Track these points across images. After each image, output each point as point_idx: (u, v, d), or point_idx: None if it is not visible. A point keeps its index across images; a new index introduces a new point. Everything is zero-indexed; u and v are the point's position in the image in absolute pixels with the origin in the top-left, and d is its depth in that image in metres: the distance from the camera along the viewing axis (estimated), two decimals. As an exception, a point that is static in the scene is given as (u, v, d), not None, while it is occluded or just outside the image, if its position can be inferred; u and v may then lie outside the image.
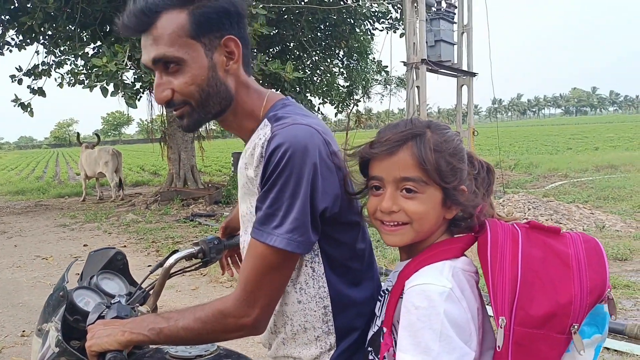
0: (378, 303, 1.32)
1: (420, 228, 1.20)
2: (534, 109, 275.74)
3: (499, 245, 1.15)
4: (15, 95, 10.86)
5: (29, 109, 11.06)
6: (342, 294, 1.32)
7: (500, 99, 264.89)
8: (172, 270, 1.77)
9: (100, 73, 8.47)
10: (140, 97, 12.59)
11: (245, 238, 1.38)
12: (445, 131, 1.22)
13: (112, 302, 1.51)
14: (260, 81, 13.87)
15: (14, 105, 10.99)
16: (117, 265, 1.83)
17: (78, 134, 14.90)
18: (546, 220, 7.98)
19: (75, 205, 13.87)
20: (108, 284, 1.75)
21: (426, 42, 10.01)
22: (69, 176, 23.47)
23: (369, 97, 19.61)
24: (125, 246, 8.28)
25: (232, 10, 1.25)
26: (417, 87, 9.73)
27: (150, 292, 1.74)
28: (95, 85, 8.93)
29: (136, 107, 10.35)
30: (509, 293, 1.09)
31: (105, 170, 13.81)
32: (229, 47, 1.27)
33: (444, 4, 11.05)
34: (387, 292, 1.26)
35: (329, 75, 16.20)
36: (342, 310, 1.32)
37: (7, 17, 10.94)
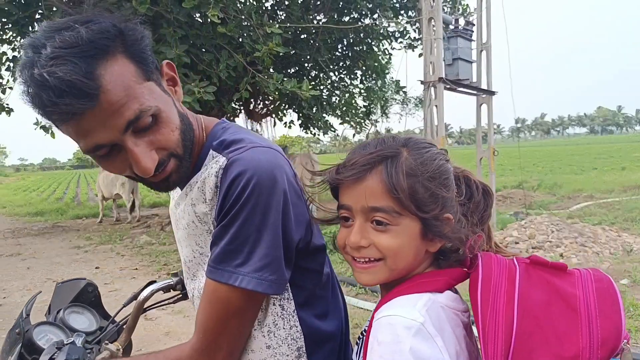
0: (355, 347, 1.12)
1: (395, 265, 1.01)
2: (558, 129, 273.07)
3: (492, 284, 0.96)
4: (36, 118, 10.93)
5: (50, 131, 11.14)
6: (314, 329, 1.15)
7: (523, 119, 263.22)
8: (148, 304, 1.59)
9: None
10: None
11: (194, 285, 1.20)
12: (424, 150, 1.03)
13: (65, 342, 1.33)
14: (278, 102, 13.93)
15: (35, 128, 11.07)
16: (88, 297, 1.68)
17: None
18: (570, 243, 7.66)
19: (92, 226, 13.86)
20: (77, 318, 1.59)
21: (444, 61, 9.83)
22: (89, 197, 23.64)
23: (388, 117, 19.45)
24: (137, 269, 8.18)
25: (146, 37, 1.06)
26: (435, 106, 9.53)
27: (124, 326, 1.57)
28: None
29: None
30: (502, 343, 0.90)
31: (122, 192, 13.80)
32: (169, 73, 1.12)
33: (461, 22, 10.89)
34: (363, 335, 1.06)
35: (347, 95, 16.10)
36: (317, 348, 1.15)
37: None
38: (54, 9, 9.49)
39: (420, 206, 0.98)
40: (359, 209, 1.00)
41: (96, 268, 8.35)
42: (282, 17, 12.13)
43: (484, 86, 10.87)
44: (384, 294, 1.08)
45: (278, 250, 1.02)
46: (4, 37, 11.34)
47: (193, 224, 1.13)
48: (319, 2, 12.69)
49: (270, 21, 10.03)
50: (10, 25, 10.29)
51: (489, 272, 0.97)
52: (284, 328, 1.12)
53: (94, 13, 1.01)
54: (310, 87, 9.18)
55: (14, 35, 11.19)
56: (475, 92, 10.91)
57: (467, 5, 14.11)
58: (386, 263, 1.01)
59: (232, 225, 1.00)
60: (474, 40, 10.91)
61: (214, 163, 1.07)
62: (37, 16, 10.14)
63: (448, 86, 9.78)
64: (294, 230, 1.05)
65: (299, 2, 12.26)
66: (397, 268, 1.02)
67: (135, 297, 1.58)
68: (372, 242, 1.00)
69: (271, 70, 9.99)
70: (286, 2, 11.92)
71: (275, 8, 12.53)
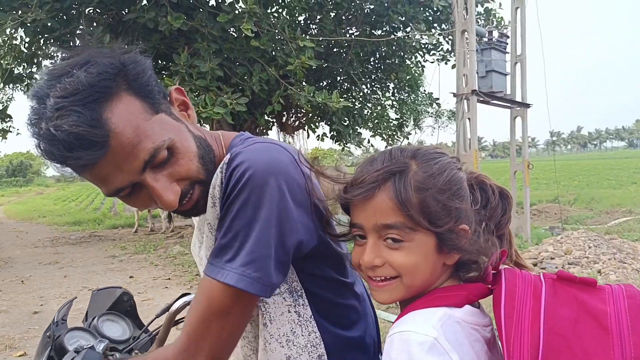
0: None
1: (412, 282, 0.98)
2: (595, 142, 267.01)
3: (517, 300, 0.92)
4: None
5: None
6: (336, 336, 1.12)
7: (559, 132, 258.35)
8: (180, 316, 1.57)
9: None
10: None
11: None
12: (434, 161, 1.00)
13: (83, 347, 1.34)
14: (310, 114, 14.00)
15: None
16: (124, 306, 1.72)
17: None
18: (609, 259, 7.45)
19: (127, 236, 14.12)
20: (110, 326, 1.63)
21: (477, 73, 9.76)
22: (125, 207, 24.06)
23: (421, 130, 19.35)
24: (169, 278, 8.28)
25: (147, 66, 1.05)
26: (468, 119, 9.45)
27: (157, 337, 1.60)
28: (146, 119, 9.14)
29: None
30: None
31: (157, 202, 14.01)
32: (179, 98, 1.11)
33: (495, 34, 10.81)
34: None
35: (379, 107, 16.10)
36: (340, 355, 1.12)
37: (68, 54, 11.38)
38: (94, 24, 9.78)
39: (433, 220, 0.94)
40: (370, 227, 0.98)
41: (130, 277, 8.48)
42: (315, 31, 12.23)
43: (518, 99, 10.74)
44: (402, 308, 1.06)
45: (267, 248, 0.97)
46: (46, 51, 11.71)
47: (208, 238, 1.11)
48: (351, 16, 12.76)
49: (303, 35, 10.14)
50: (52, 41, 10.63)
51: (512, 287, 0.94)
52: (302, 335, 1.10)
53: (90, 53, 0.99)
54: (341, 99, 9.21)
55: (55, 50, 11.55)
56: (509, 104, 10.78)
57: (502, 17, 14.00)
58: (402, 281, 0.98)
59: (226, 218, 0.98)
60: (508, 53, 10.81)
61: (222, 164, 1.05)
62: (78, 32, 10.46)
63: (481, 99, 9.69)
64: (290, 231, 0.99)
65: (332, 15, 12.34)
66: (414, 285, 0.99)
67: (168, 308, 1.61)
68: (387, 260, 0.98)
69: (303, 83, 10.07)
70: (319, 16, 12.02)
71: (308, 22, 12.64)
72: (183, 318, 1.62)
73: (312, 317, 1.11)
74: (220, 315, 0.99)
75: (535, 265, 7.61)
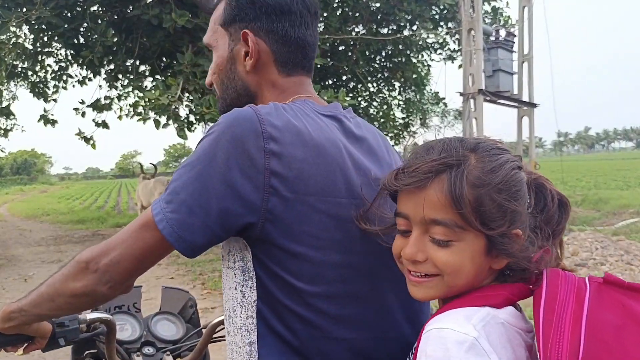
0: None
1: (454, 283, 0.92)
2: (602, 143, 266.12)
3: (558, 302, 0.85)
4: (78, 129, 11.24)
5: (91, 142, 11.41)
6: (274, 333, 1.05)
7: (567, 132, 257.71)
8: (217, 335, 1.67)
9: (153, 106, 8.60)
10: (195, 128, 12.78)
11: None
12: (496, 157, 0.92)
13: (65, 323, 1.40)
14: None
15: (78, 139, 11.36)
16: (188, 313, 1.87)
17: (141, 165, 15.22)
18: (616, 261, 7.36)
19: (131, 235, 14.08)
20: (164, 325, 1.78)
21: (484, 72, 9.69)
22: (129, 206, 24.13)
23: (427, 129, 19.27)
24: (172, 278, 8.22)
25: (257, 1, 1.17)
26: (475, 118, 9.37)
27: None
28: (149, 118, 9.11)
29: (187, 139, 10.56)
30: None
31: (161, 201, 13.96)
32: (247, 42, 1.18)
33: (502, 33, 10.73)
34: (412, 353, 0.97)
35: (385, 106, 16.02)
36: (274, 351, 1.05)
37: (71, 52, 11.38)
38: (99, 21, 9.75)
39: (486, 221, 0.88)
40: (417, 220, 0.92)
41: (133, 276, 8.43)
42: (321, 29, 12.17)
43: (525, 98, 10.66)
44: (441, 305, 0.99)
45: (192, 196, 0.97)
46: (50, 49, 11.71)
47: None
48: (357, 14, 12.69)
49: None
50: (56, 38, 10.62)
51: (554, 289, 0.87)
52: (240, 317, 1.07)
53: None
54: (347, 97, 9.15)
55: (59, 47, 11.55)
56: (516, 104, 10.70)
57: (509, 16, 13.91)
58: (443, 279, 0.92)
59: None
60: (515, 52, 10.73)
61: None
62: (82, 29, 10.44)
63: (488, 98, 9.61)
64: (219, 194, 0.97)
65: (338, 13, 12.28)
66: (456, 285, 0.93)
67: (206, 325, 1.68)
68: (430, 256, 0.91)
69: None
70: (324, 14, 11.95)
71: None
72: (222, 336, 1.67)
73: (255, 302, 1.06)
74: (137, 233, 1.02)
75: (541, 266, 7.53)
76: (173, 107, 8.81)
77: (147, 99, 8.91)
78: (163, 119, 9.53)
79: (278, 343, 1.05)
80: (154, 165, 15.97)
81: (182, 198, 0.98)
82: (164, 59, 11.58)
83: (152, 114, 9.25)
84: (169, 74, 9.48)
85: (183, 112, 10.96)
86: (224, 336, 1.50)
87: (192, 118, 11.64)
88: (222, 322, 1.58)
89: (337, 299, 1.06)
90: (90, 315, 1.45)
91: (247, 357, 1.06)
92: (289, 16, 1.18)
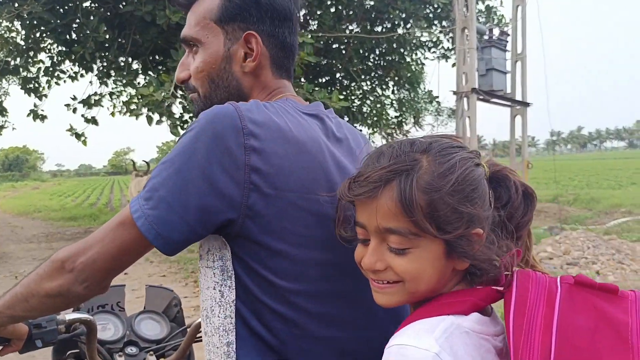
0: None
1: (416, 288, 0.90)
2: (595, 142, 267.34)
3: (528, 307, 0.83)
4: (70, 125, 11.19)
5: (82, 138, 11.35)
6: (252, 332, 1.03)
7: (559, 131, 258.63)
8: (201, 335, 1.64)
9: (147, 102, 8.56)
10: (187, 126, 12.74)
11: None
12: (449, 157, 0.89)
13: (42, 325, 1.38)
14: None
15: (69, 135, 11.31)
16: (172, 312, 1.85)
17: (133, 162, 15.19)
18: (607, 260, 7.39)
19: (123, 232, 14.03)
20: (148, 324, 1.77)
21: (477, 71, 9.70)
22: (122, 203, 24.01)
23: (420, 128, 19.28)
24: (164, 275, 8.21)
25: (264, 3, 1.16)
26: (468, 117, 9.38)
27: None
28: (141, 114, 9.07)
29: (179, 136, 10.50)
30: None
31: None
32: (250, 43, 1.16)
33: (496, 32, 10.75)
34: None
35: (378, 105, 16.01)
36: (252, 352, 1.03)
37: (63, 47, 11.31)
38: (91, 17, 9.68)
39: (442, 226, 0.85)
40: (373, 229, 0.90)
41: (125, 274, 8.36)
42: (314, 27, 12.14)
43: (518, 97, 10.68)
44: (412, 311, 0.98)
45: (172, 194, 0.96)
46: (42, 45, 11.63)
47: None
48: (351, 12, 12.67)
49: (302, 30, 10.03)
50: (48, 33, 10.55)
51: (524, 292, 0.85)
52: (218, 316, 1.05)
53: None
54: (340, 98, 9.12)
55: (51, 43, 11.47)
56: (509, 103, 10.72)
57: (503, 15, 13.93)
58: (405, 286, 0.90)
59: None
60: (508, 51, 10.76)
61: None
62: (75, 25, 10.37)
63: (481, 97, 9.63)
64: (199, 190, 0.96)
65: (331, 11, 12.25)
66: (418, 291, 0.91)
67: (190, 325, 1.67)
68: (389, 265, 0.90)
69: (302, 80, 9.98)
70: (318, 12, 11.93)
71: (307, 17, 12.55)
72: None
73: (234, 302, 1.04)
74: (114, 231, 1.00)
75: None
76: (167, 103, 8.77)
77: (140, 95, 8.86)
78: (156, 116, 9.48)
79: (257, 343, 1.04)
80: (146, 162, 15.92)
81: (161, 195, 0.96)
82: (157, 57, 11.52)
83: (144, 110, 9.20)
84: (163, 71, 9.43)
85: (176, 109, 10.92)
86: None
87: (186, 117, 11.59)
88: None
89: (320, 298, 1.05)
90: (69, 315, 1.43)
91: (224, 358, 1.05)
92: (289, 23, 1.20)
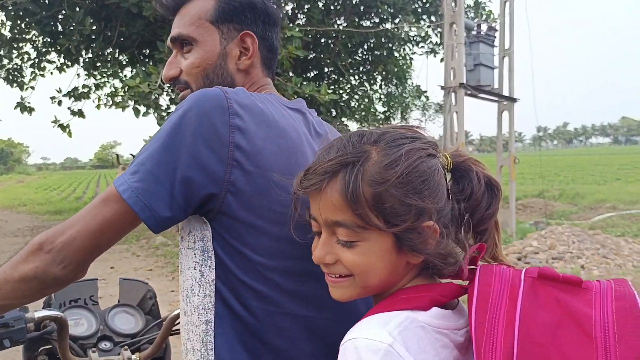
0: None
1: (366, 282, 0.89)
2: (580, 138, 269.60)
3: (490, 304, 0.82)
4: (55, 116, 11.06)
5: (67, 130, 11.24)
6: (231, 310, 1.05)
7: (545, 127, 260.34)
8: (177, 327, 1.62)
9: (133, 93, 8.48)
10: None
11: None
12: (398, 148, 0.87)
13: (9, 323, 1.33)
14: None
15: (53, 126, 11.19)
16: (147, 305, 1.83)
17: (117, 155, 15.10)
18: (592, 254, 7.47)
19: (110, 226, 13.92)
20: (122, 318, 1.74)
21: (465, 66, 9.72)
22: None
23: (407, 123, 19.31)
24: (151, 269, 8.17)
25: (259, 8, 1.25)
26: (456, 112, 9.41)
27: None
28: (128, 106, 9.00)
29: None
30: None
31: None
32: (245, 43, 1.24)
33: (484, 27, 10.76)
34: None
35: (366, 99, 16.01)
36: (229, 330, 1.05)
37: (48, 39, 11.17)
38: (77, 8, 9.56)
39: (388, 218, 0.84)
40: (322, 222, 0.90)
41: (111, 268, 8.35)
42: (303, 21, 12.10)
43: (505, 93, 10.73)
44: (375, 302, 0.98)
45: (158, 167, 0.98)
46: (27, 36, 11.47)
47: None
48: (339, 6, 12.63)
49: (291, 24, 10.00)
50: (33, 25, 10.41)
51: (486, 289, 0.84)
52: (198, 295, 1.06)
53: None
54: (329, 91, 9.11)
55: (37, 34, 11.32)
56: (496, 98, 10.76)
57: (491, 10, 13.97)
58: (355, 280, 0.90)
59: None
60: (496, 46, 10.78)
61: None
62: (60, 16, 10.24)
63: (469, 92, 9.66)
64: (185, 164, 0.98)
65: (320, 5, 12.21)
66: (369, 285, 0.90)
67: (165, 318, 1.64)
68: (339, 258, 0.89)
69: (290, 73, 9.95)
70: (306, 6, 11.88)
71: (296, 11, 12.50)
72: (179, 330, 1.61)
73: (214, 281, 1.06)
74: (99, 207, 1.00)
75: (519, 260, 7.62)
76: (153, 95, 8.70)
77: (127, 87, 8.78)
78: (143, 108, 9.41)
79: (234, 322, 1.05)
80: (133, 155, 15.79)
81: (147, 168, 0.99)
82: (144, 49, 11.42)
83: (131, 103, 9.12)
84: (150, 63, 9.35)
85: (163, 101, 10.84)
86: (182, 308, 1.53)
87: (172, 109, 11.51)
88: None
89: (294, 275, 1.06)
90: (38, 313, 1.39)
91: (202, 336, 1.06)
92: (276, 28, 1.30)
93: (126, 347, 1.60)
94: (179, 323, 1.58)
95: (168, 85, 1.36)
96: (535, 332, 0.78)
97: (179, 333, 1.59)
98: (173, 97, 10.57)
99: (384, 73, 15.27)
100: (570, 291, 0.81)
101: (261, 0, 1.26)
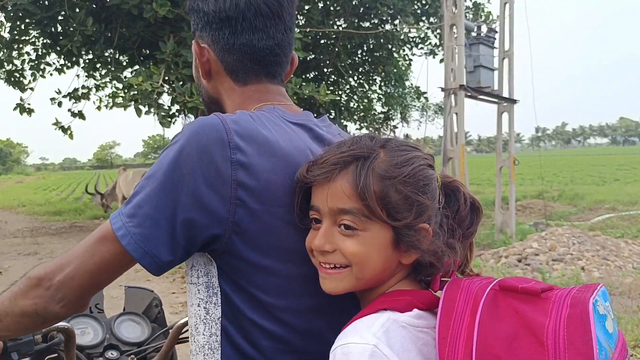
0: None
1: (362, 274, 0.93)
2: (579, 139, 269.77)
3: (454, 319, 0.86)
4: (55, 118, 11.05)
5: (68, 132, 11.22)
6: (238, 350, 1.02)
7: (544, 128, 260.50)
8: (183, 336, 1.62)
9: (135, 92, 8.48)
10: (176, 120, 12.64)
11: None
12: (404, 152, 0.94)
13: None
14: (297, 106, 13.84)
15: (55, 128, 11.17)
16: (153, 313, 1.82)
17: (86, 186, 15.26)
18: (592, 256, 7.48)
19: (109, 227, 13.90)
20: (128, 327, 1.73)
21: (465, 68, 9.73)
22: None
23: (407, 123, 19.32)
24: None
25: (205, 10, 1.13)
26: (455, 113, 9.42)
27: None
28: (129, 105, 8.99)
29: (169, 127, 10.44)
30: None
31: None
32: (203, 56, 1.17)
33: (484, 29, 10.78)
34: None
35: (366, 100, 16.02)
36: None
37: (48, 40, 11.16)
38: (77, 9, 9.56)
39: (392, 213, 0.90)
40: (326, 211, 0.93)
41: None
42: (302, 22, 12.10)
43: (505, 94, 10.73)
44: (362, 304, 1.02)
45: (157, 211, 0.93)
46: (27, 37, 11.46)
47: None
48: (339, 7, 12.64)
49: (291, 25, 9.97)
50: (33, 26, 10.40)
51: (450, 305, 0.89)
52: (203, 334, 1.03)
53: None
54: (328, 92, 9.12)
55: (37, 35, 11.31)
56: (496, 100, 10.77)
57: (490, 12, 13.99)
58: (352, 271, 0.93)
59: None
60: (496, 48, 10.79)
61: None
62: (60, 17, 10.23)
63: (469, 94, 9.67)
64: (184, 204, 0.93)
65: (320, 6, 12.22)
66: (364, 277, 0.94)
67: (172, 326, 1.64)
68: (338, 247, 0.93)
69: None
70: (306, 7, 11.88)
71: (296, 12, 12.50)
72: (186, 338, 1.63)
73: (220, 319, 1.02)
74: (94, 246, 0.96)
75: (519, 261, 7.62)
76: (155, 94, 8.70)
77: (129, 85, 8.76)
78: (144, 107, 9.41)
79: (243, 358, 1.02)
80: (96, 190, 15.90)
81: (146, 212, 0.93)
82: (144, 50, 11.41)
83: (132, 102, 9.12)
84: (151, 64, 9.34)
85: (164, 100, 10.84)
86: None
87: (174, 109, 11.51)
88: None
89: (305, 313, 1.04)
90: None
91: None
92: (227, 23, 1.12)
93: (132, 355, 1.60)
94: (185, 331, 1.58)
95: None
96: (493, 344, 0.81)
97: (185, 341, 1.59)
98: (174, 96, 10.56)
99: (383, 74, 15.29)
100: (530, 301, 0.83)
101: (207, 2, 1.13)
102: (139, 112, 9.31)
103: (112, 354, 1.63)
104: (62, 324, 1.42)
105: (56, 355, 1.55)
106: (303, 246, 1.00)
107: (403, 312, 0.91)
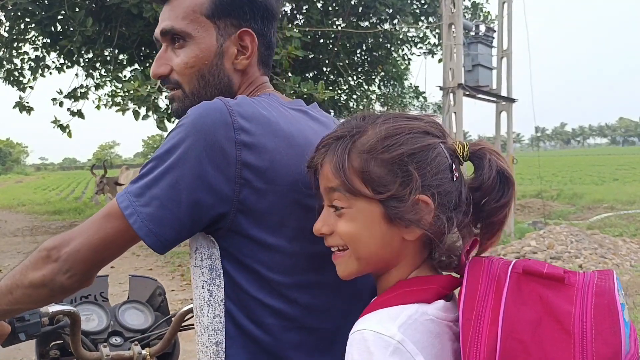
0: None
1: (358, 253, 0.92)
2: (578, 139, 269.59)
3: (478, 300, 0.84)
4: (54, 117, 11.06)
5: (67, 131, 11.24)
6: (242, 330, 1.04)
7: (543, 128, 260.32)
8: (186, 324, 1.65)
9: (132, 97, 8.49)
10: (174, 120, 12.64)
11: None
12: (394, 125, 0.91)
13: (25, 317, 1.37)
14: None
15: (53, 127, 11.18)
16: (157, 301, 1.86)
17: (92, 168, 15.28)
18: (590, 254, 7.51)
19: (109, 226, 13.91)
20: (132, 314, 1.77)
21: (463, 67, 9.75)
22: (107, 197, 23.82)
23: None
24: (151, 269, 8.19)
25: (258, 2, 1.16)
26: (454, 112, 9.44)
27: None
28: (128, 109, 9.00)
29: (166, 130, 10.45)
30: None
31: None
32: (244, 41, 1.16)
33: (482, 28, 10.79)
34: None
35: (365, 99, 16.03)
36: (240, 351, 1.04)
37: (48, 40, 11.17)
38: (77, 8, 9.58)
39: (375, 186, 0.87)
40: (322, 193, 0.95)
41: (111, 267, 8.35)
42: (302, 21, 12.12)
43: (504, 93, 10.76)
44: (378, 290, 1.00)
45: (163, 191, 0.96)
46: (27, 36, 11.47)
47: None
48: (338, 7, 12.65)
49: (290, 25, 10.01)
50: (33, 25, 10.41)
51: (474, 285, 0.87)
52: (207, 315, 1.05)
53: None
54: (327, 91, 9.13)
55: (37, 35, 11.32)
56: (495, 99, 10.79)
57: (489, 12, 14.02)
58: (350, 252, 0.93)
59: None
60: (494, 47, 10.81)
61: None
62: (60, 17, 10.24)
63: (467, 93, 9.69)
64: (192, 187, 0.96)
65: (319, 6, 12.23)
66: (362, 257, 0.92)
67: (175, 314, 1.67)
68: (334, 228, 0.93)
69: (289, 73, 9.97)
70: (305, 7, 11.90)
71: (295, 12, 12.52)
72: (191, 324, 1.65)
73: (223, 301, 1.04)
74: (101, 222, 1.00)
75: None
76: (152, 98, 8.71)
77: (125, 90, 8.79)
78: (142, 110, 9.42)
79: (247, 342, 1.04)
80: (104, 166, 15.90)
81: (153, 192, 0.96)
82: (143, 49, 11.42)
83: (131, 105, 9.13)
84: (148, 64, 9.36)
85: (163, 103, 10.84)
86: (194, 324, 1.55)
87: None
88: (191, 310, 1.57)
89: (310, 289, 1.06)
90: (52, 307, 1.43)
91: (213, 358, 1.05)
92: (274, 22, 1.21)
93: (136, 342, 1.63)
94: (188, 319, 1.61)
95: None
96: (518, 329, 0.80)
97: (188, 329, 1.62)
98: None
99: (382, 73, 15.29)
100: (553, 287, 0.83)
101: None
102: (137, 116, 9.30)
103: (116, 340, 1.66)
104: (67, 307, 1.46)
105: (61, 341, 1.59)
106: (308, 224, 1.00)
107: (430, 302, 0.88)
